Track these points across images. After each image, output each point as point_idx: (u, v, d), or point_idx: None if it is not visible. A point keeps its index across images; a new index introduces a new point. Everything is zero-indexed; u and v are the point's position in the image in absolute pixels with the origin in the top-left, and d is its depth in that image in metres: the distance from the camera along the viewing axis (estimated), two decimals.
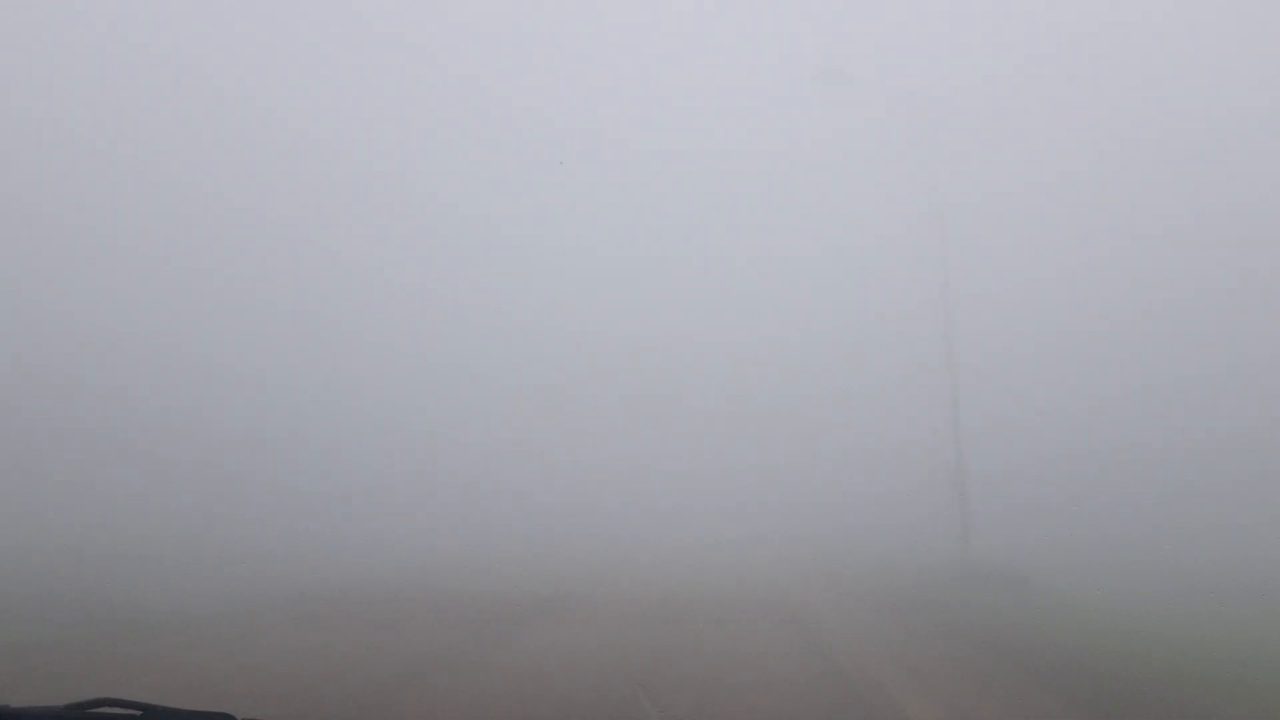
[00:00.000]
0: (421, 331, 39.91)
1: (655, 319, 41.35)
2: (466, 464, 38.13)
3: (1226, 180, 27.19)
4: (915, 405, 28.83)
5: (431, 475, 36.79)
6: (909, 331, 28.92)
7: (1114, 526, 24.02)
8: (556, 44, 43.19)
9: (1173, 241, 27.82)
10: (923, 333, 25.24)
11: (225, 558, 22.31)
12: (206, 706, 2.67)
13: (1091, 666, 9.81)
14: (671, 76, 42.49)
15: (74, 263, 31.52)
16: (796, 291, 39.28)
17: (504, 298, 41.42)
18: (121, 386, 30.95)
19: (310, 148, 37.81)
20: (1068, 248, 29.77)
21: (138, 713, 2.27)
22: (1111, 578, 17.95)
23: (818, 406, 38.49)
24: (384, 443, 36.70)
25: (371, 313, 38.67)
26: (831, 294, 37.68)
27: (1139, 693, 8.61)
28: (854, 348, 36.08)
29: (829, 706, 7.88)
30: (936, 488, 23.91)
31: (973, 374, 24.63)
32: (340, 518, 30.78)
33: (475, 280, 41.14)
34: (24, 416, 28.20)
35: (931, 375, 24.10)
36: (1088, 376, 29.31)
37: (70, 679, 9.07)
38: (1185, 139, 27.55)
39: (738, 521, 34.98)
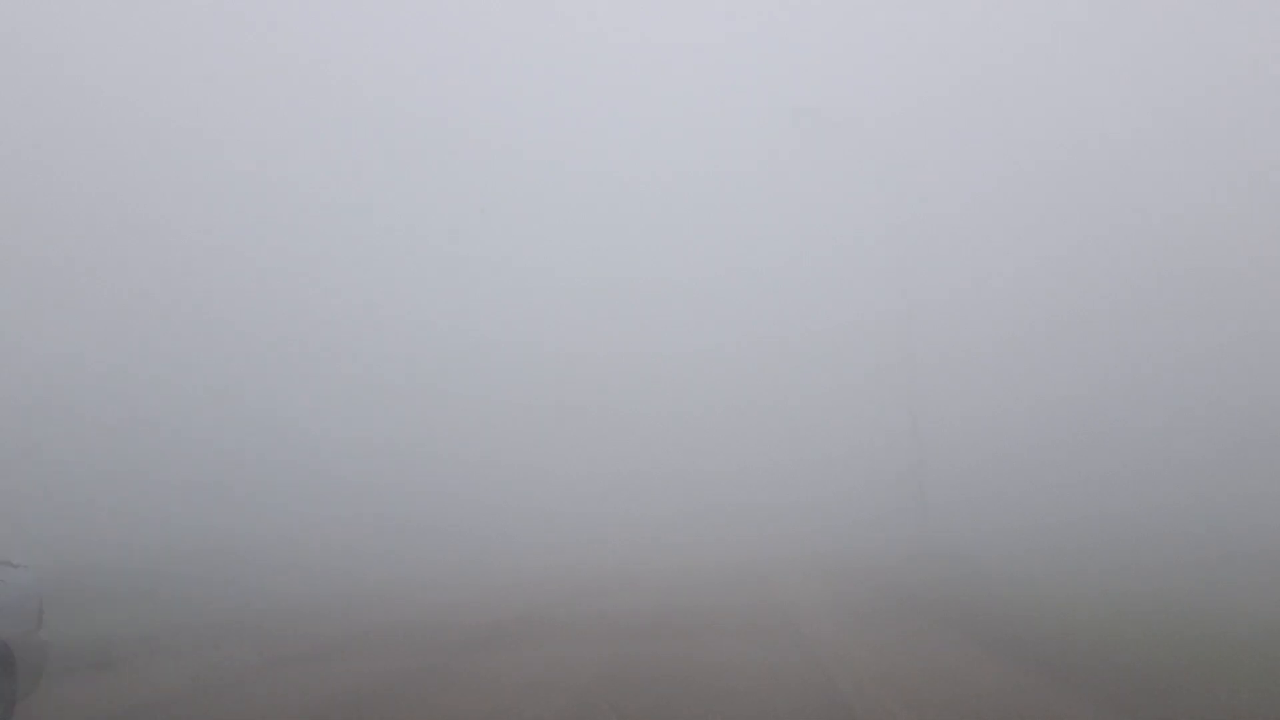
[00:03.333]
0: (393, 346, 40.13)
1: (622, 330, 41.70)
2: (431, 477, 37.24)
3: (1184, 189, 28.39)
4: (879, 409, 29.97)
5: (391, 488, 35.16)
6: (874, 343, 29.90)
7: (1060, 514, 25.47)
8: (532, 74, 43.14)
9: (1123, 251, 29.37)
10: (886, 344, 26.64)
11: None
12: None
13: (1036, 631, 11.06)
14: (648, 106, 42.55)
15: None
16: (761, 304, 40.12)
17: (478, 314, 41.53)
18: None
19: (278, 182, 37.95)
20: (1022, 260, 31.40)
21: None
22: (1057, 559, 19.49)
23: (785, 413, 39.38)
24: (348, 457, 35.45)
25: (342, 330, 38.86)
26: (795, 306, 38.61)
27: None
28: (820, 358, 37.30)
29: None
30: (900, 485, 25.49)
31: (931, 381, 26.26)
32: (297, 537, 29.07)
33: (446, 296, 41.45)
34: None
35: (894, 383, 25.65)
36: (1034, 380, 30.97)
37: None
38: (1144, 150, 29.02)
39: (713, 525, 35.64)
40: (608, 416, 41.56)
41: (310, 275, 38.00)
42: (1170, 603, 12.65)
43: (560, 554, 30.42)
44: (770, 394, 39.84)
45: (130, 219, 34.01)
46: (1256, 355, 26.67)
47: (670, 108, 42.11)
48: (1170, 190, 28.44)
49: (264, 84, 38.00)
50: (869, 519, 30.20)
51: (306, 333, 37.01)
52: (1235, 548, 16.85)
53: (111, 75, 34.05)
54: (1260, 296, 26.99)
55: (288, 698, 9.34)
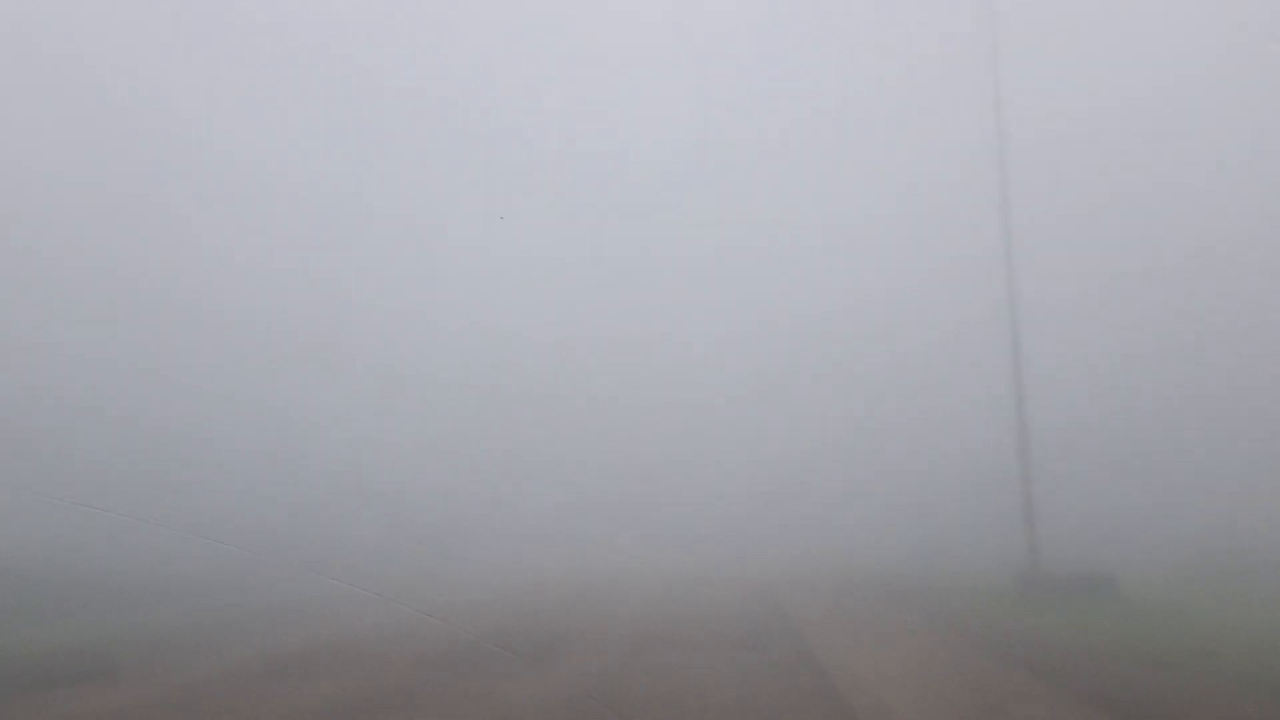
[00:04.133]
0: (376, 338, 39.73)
1: (640, 311, 40.10)
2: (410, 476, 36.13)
3: None
4: (961, 377, 27.23)
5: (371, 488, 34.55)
6: (956, 288, 26.82)
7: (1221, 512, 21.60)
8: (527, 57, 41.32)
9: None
10: (974, 287, 23.22)
11: None
12: None
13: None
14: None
15: None
16: (820, 246, 36.70)
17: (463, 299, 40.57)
18: None
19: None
20: (1154, 182, 26.49)
21: None
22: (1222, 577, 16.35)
23: (833, 386, 36.10)
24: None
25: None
26: (862, 250, 34.89)
27: None
28: (882, 312, 33.62)
29: None
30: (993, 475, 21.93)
31: (1035, 336, 21.52)
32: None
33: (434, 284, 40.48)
34: None
35: (986, 342, 21.86)
36: (1172, 330, 26.30)
37: None
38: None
39: (740, 524, 33.30)
40: (626, 407, 39.97)
41: (302, 268, 38.39)
42: None
43: (562, 556, 29.84)
44: (821, 364, 36.62)
45: (133, 216, 34.71)
46: None
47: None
48: None
49: (266, 76, 38.86)
50: (950, 522, 26.00)
51: (301, 326, 37.19)
52: None
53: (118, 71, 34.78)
54: None
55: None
